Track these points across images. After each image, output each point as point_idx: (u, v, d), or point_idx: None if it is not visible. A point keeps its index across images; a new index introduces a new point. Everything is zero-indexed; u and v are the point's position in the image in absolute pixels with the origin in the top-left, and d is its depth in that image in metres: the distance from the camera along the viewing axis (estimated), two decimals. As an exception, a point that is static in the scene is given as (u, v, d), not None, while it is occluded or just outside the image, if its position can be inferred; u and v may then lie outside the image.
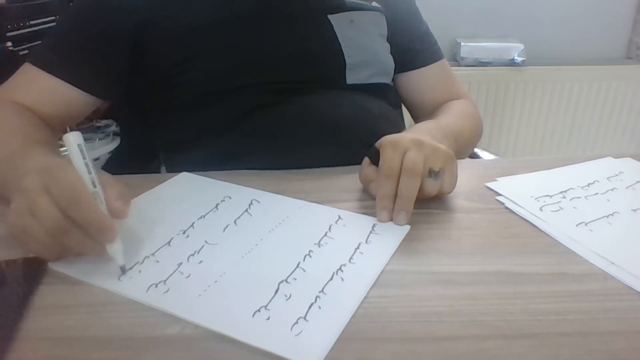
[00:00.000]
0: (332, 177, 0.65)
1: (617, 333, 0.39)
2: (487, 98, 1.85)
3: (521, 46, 1.78)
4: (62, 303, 0.42)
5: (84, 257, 0.46)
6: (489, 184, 0.62)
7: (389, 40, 0.83)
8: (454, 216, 0.56)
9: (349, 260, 0.47)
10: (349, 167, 0.65)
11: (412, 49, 0.86)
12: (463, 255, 0.49)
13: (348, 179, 0.63)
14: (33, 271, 0.44)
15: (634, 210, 0.57)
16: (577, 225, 0.54)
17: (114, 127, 1.43)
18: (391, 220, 0.53)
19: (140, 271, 0.45)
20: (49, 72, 0.68)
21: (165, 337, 0.38)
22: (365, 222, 0.54)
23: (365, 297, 0.42)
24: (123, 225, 0.46)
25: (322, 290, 0.42)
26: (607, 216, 0.55)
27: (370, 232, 0.52)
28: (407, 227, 0.53)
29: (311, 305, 0.40)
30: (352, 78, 0.75)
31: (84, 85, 0.69)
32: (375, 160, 0.57)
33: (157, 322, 0.39)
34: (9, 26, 1.15)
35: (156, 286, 0.43)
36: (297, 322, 0.39)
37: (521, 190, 0.60)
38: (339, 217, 0.54)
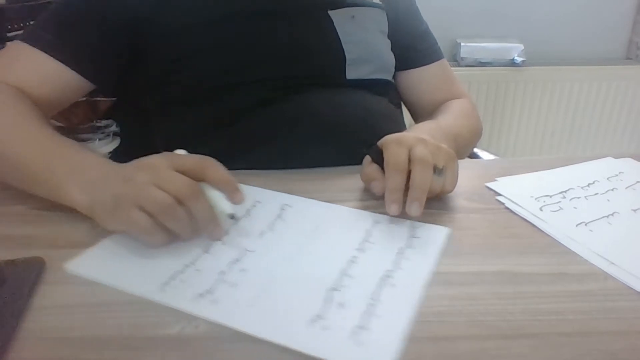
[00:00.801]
0: (332, 177, 0.65)
1: (617, 333, 0.39)
2: (487, 98, 1.85)
3: (521, 46, 1.78)
4: (62, 303, 0.42)
5: (126, 263, 0.46)
6: (489, 184, 0.62)
7: (389, 38, 0.83)
8: (454, 216, 0.56)
9: (395, 265, 0.46)
10: (349, 167, 0.65)
11: (412, 47, 0.86)
12: (463, 255, 0.49)
13: (349, 179, 0.63)
14: (33, 271, 0.44)
15: (634, 210, 0.57)
16: (577, 226, 0.54)
17: (114, 127, 1.42)
18: (400, 213, 0.53)
19: (183, 281, 0.44)
20: (45, 51, 0.66)
21: (165, 337, 0.38)
22: (402, 225, 0.53)
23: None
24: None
25: (374, 297, 0.42)
26: (607, 216, 0.55)
27: (410, 235, 0.51)
28: (446, 229, 0.52)
29: (367, 313, 0.40)
30: (352, 74, 0.75)
31: (80, 68, 0.68)
32: (377, 159, 0.57)
33: (157, 322, 0.39)
34: (9, 26, 1.15)
35: (203, 296, 0.42)
36: (356, 331, 0.38)
37: (521, 190, 0.60)
38: (375, 221, 0.54)
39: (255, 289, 0.43)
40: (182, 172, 0.48)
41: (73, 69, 0.68)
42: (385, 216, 0.54)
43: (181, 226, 0.47)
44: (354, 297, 0.42)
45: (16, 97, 0.63)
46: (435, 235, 0.52)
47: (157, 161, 0.49)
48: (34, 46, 0.67)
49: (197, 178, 0.48)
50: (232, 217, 0.50)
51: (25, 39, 0.68)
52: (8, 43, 1.13)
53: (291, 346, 0.37)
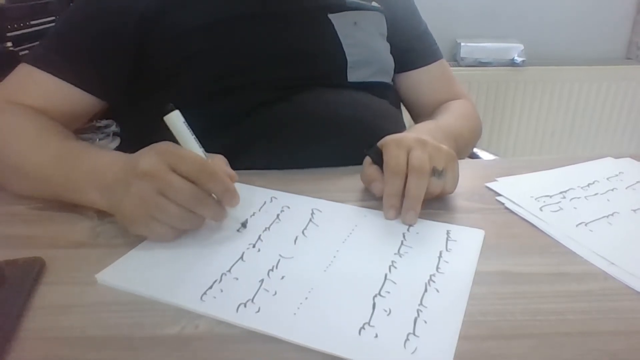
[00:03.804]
0: (332, 177, 0.65)
1: (617, 333, 0.39)
2: (487, 98, 1.85)
3: (521, 46, 1.78)
4: (62, 303, 0.42)
5: (156, 271, 0.46)
6: (489, 184, 0.62)
7: (388, 40, 0.83)
8: (454, 216, 0.56)
9: (437, 270, 0.46)
10: (349, 167, 0.65)
11: (411, 48, 0.86)
12: (463, 255, 0.49)
13: (348, 179, 0.63)
14: (33, 271, 0.44)
15: (634, 211, 0.57)
16: (577, 226, 0.54)
17: (114, 127, 1.42)
18: (398, 218, 0.54)
19: (222, 290, 0.43)
20: (55, 74, 0.66)
21: (165, 337, 0.38)
22: (438, 228, 0.53)
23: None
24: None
25: (421, 303, 0.41)
26: (607, 216, 0.55)
27: (447, 239, 0.51)
28: (482, 232, 0.52)
29: (416, 320, 0.39)
30: (353, 76, 0.75)
31: (91, 88, 0.69)
32: (376, 160, 0.57)
33: (157, 322, 0.39)
34: (9, 26, 1.15)
35: (245, 305, 0.41)
36: (407, 339, 0.37)
37: (521, 190, 0.60)
38: (409, 225, 0.53)
39: (297, 296, 0.42)
40: (183, 176, 0.46)
41: (84, 90, 0.68)
42: (419, 220, 0.54)
43: (197, 224, 0.49)
44: (400, 304, 0.41)
45: (33, 116, 0.63)
46: (472, 238, 0.51)
47: (155, 166, 0.46)
48: (43, 70, 0.66)
49: (198, 185, 0.47)
50: (244, 225, 0.51)
51: (33, 62, 0.67)
52: (8, 43, 1.13)
53: (343, 355, 0.36)
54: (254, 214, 0.55)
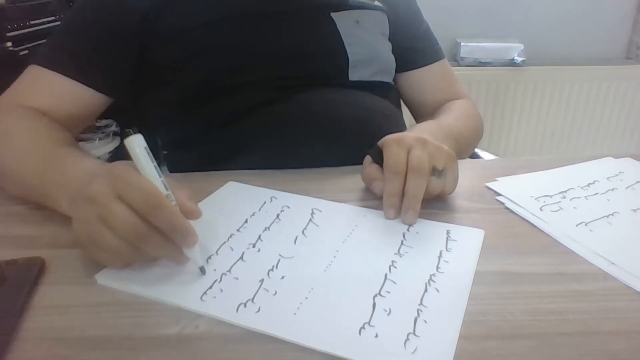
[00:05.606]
0: (332, 177, 0.65)
1: (617, 333, 0.39)
2: (487, 98, 1.85)
3: (521, 46, 1.78)
4: (62, 303, 0.42)
5: (162, 273, 0.45)
6: (489, 184, 0.62)
7: (390, 39, 0.83)
8: (454, 216, 0.56)
9: (437, 270, 0.46)
10: (349, 167, 0.65)
11: (412, 48, 0.86)
12: (463, 255, 0.49)
13: (349, 179, 0.63)
14: (33, 271, 0.44)
15: (634, 210, 0.57)
16: (577, 225, 0.54)
17: (114, 127, 1.43)
18: (398, 217, 0.54)
19: (222, 290, 0.43)
20: (61, 73, 0.66)
21: (165, 337, 0.38)
22: (438, 228, 0.53)
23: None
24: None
25: (421, 303, 0.41)
26: (607, 216, 0.55)
27: (447, 238, 0.51)
28: (482, 232, 0.52)
29: (416, 319, 0.39)
30: (354, 75, 0.75)
31: (98, 85, 0.69)
32: (377, 159, 0.57)
33: (157, 322, 0.39)
34: (9, 26, 1.15)
35: (245, 305, 0.41)
36: (408, 339, 0.37)
37: (521, 190, 0.60)
38: (409, 225, 0.53)
39: (297, 296, 0.42)
40: (130, 206, 0.41)
41: (90, 87, 0.68)
42: (419, 220, 0.54)
43: (142, 259, 0.45)
44: (400, 304, 0.41)
45: (33, 119, 0.63)
46: (472, 238, 0.51)
47: (101, 191, 0.42)
48: (49, 69, 0.67)
49: (144, 217, 0.41)
50: (202, 270, 0.45)
51: (39, 62, 0.67)
52: (8, 43, 1.13)
53: (343, 355, 0.36)
54: (254, 214, 0.55)
